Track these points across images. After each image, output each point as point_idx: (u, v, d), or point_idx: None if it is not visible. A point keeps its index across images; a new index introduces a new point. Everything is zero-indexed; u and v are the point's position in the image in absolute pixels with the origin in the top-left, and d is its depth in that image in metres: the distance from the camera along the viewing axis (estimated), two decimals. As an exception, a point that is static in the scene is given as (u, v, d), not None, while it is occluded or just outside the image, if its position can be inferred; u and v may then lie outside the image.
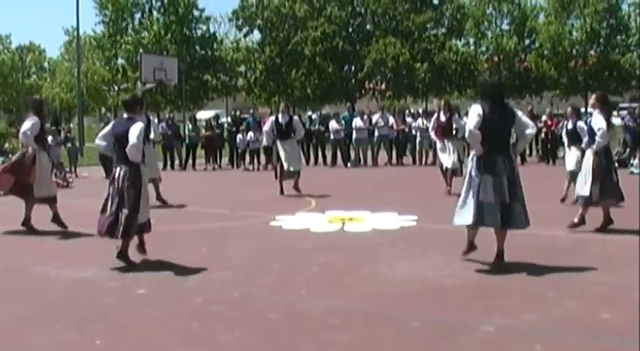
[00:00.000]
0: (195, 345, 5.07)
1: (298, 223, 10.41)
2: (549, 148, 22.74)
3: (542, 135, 22.61)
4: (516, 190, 7.17)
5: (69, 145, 23.37)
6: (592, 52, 55.78)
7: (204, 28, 56.76)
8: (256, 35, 59.48)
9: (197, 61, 54.52)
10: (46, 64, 72.77)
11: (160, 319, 5.69)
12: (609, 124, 9.29)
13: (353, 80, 57.46)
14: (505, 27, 57.61)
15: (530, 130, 7.45)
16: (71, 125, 63.08)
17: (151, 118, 15.10)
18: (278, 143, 14.22)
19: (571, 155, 12.09)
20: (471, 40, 58.33)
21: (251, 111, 29.47)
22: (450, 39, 57.23)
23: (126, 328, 5.49)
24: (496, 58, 56.83)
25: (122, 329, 5.45)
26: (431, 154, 22.84)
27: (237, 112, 28.33)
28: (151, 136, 13.08)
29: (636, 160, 18.35)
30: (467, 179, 7.35)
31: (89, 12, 53.42)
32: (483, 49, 58.27)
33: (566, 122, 13.12)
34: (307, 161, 23.73)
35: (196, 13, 56.06)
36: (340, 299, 6.17)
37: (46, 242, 9.52)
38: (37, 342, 5.21)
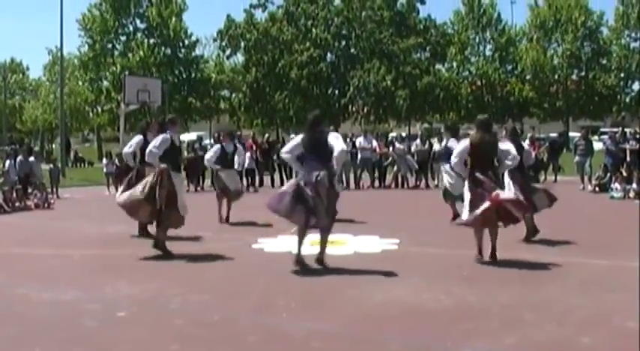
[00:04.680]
0: (175, 368, 5.05)
1: (280, 246, 10.39)
2: (532, 171, 22.87)
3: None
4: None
5: (50, 165, 23.28)
6: (573, 77, 56.49)
7: (190, 51, 56.63)
8: (240, 57, 59.69)
9: (181, 83, 54.48)
10: (29, 85, 72.36)
11: (140, 342, 5.66)
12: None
13: (337, 104, 57.66)
14: (488, 53, 58.33)
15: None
16: (53, 146, 62.99)
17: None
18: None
19: None
20: (454, 64, 58.91)
21: (238, 133, 29.48)
22: (433, 64, 57.70)
23: (107, 350, 5.46)
24: (479, 83, 57.45)
25: (102, 352, 5.43)
26: (410, 178, 23.08)
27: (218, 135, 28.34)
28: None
29: (616, 185, 18.48)
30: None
31: (73, 32, 53.20)
32: (466, 73, 58.84)
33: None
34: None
35: (184, 38, 55.88)
36: (321, 322, 6.17)
37: (26, 263, 9.47)
38: (16, 364, 5.18)
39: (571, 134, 47.58)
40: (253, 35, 57.01)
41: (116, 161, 23.80)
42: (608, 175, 20.14)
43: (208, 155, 14.29)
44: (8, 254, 10.35)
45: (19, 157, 20.46)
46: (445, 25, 58.89)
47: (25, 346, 5.56)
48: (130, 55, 52.38)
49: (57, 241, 11.54)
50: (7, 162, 20.50)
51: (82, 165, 48.51)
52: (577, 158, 21.54)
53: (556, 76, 55.78)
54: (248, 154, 21.02)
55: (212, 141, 27.05)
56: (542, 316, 6.22)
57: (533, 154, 21.69)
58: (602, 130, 50.30)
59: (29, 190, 19.16)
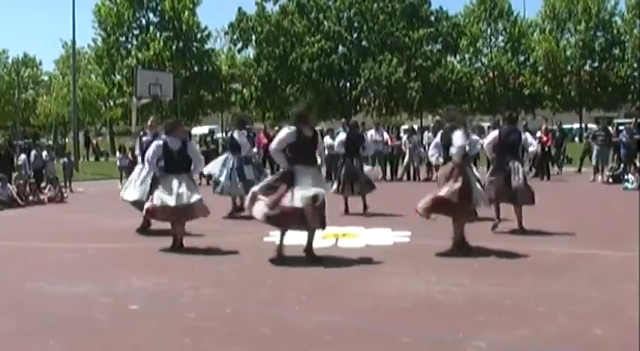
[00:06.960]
0: (187, 360, 5.07)
1: (292, 239, 10.40)
2: (544, 164, 22.76)
3: (539, 150, 22.63)
4: None
5: (64, 159, 23.38)
6: (587, 68, 56.12)
7: (203, 44, 56.47)
8: (250, 50, 59.66)
9: (193, 76, 54.44)
10: (43, 77, 72.58)
11: (152, 335, 5.69)
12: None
13: (348, 96, 57.59)
14: (501, 44, 58.09)
15: None
16: (67, 140, 63.24)
17: None
18: None
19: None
20: (467, 56, 58.69)
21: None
22: (445, 56, 57.53)
23: (119, 343, 5.49)
24: (491, 75, 57.25)
25: (115, 345, 5.45)
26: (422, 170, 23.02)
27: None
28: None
29: (630, 176, 18.39)
30: None
31: (87, 25, 53.23)
32: (478, 65, 58.64)
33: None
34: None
35: (197, 31, 55.72)
36: (332, 315, 6.17)
37: (39, 257, 9.53)
38: (29, 357, 5.21)
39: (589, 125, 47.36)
40: (265, 28, 56.95)
41: (129, 155, 23.89)
42: (622, 166, 20.04)
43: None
44: (21, 248, 10.42)
45: (33, 152, 20.58)
46: (457, 16, 58.69)
47: (38, 339, 5.60)
48: (143, 48, 52.35)
49: (70, 235, 11.60)
50: (22, 156, 20.63)
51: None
52: (597, 148, 21.37)
53: (569, 67, 55.43)
54: (255, 150, 20.62)
55: (224, 134, 27.03)
56: (554, 308, 6.20)
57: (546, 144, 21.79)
58: (615, 121, 50.06)
59: (43, 185, 19.26)
